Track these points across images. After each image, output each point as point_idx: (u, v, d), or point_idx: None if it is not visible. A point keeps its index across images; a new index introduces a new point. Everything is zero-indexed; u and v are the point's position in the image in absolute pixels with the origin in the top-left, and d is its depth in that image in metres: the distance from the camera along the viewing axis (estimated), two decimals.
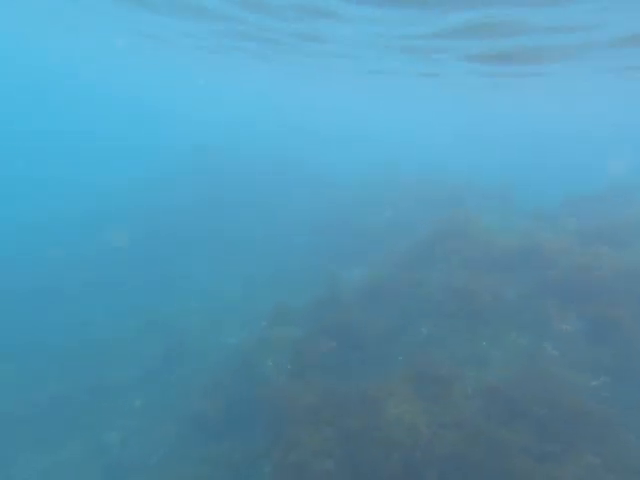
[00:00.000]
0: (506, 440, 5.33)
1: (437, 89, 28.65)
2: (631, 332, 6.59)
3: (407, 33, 11.88)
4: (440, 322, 8.59)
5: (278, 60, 23.31)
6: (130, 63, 40.65)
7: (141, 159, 31.64)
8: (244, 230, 21.24)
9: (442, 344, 8.20)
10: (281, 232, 21.30)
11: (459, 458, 5.39)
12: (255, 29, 14.48)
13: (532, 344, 7.02)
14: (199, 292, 17.12)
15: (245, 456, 6.95)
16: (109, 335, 13.12)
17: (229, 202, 23.48)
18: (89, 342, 12.69)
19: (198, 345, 12.84)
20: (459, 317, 8.45)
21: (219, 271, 18.67)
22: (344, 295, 10.63)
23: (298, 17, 11.61)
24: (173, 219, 21.67)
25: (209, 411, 7.84)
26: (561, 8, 8.52)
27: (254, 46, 18.85)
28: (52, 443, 8.84)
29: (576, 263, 8.44)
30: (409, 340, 8.68)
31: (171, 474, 7.04)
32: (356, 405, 6.80)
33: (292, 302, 12.68)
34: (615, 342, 6.59)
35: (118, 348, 12.45)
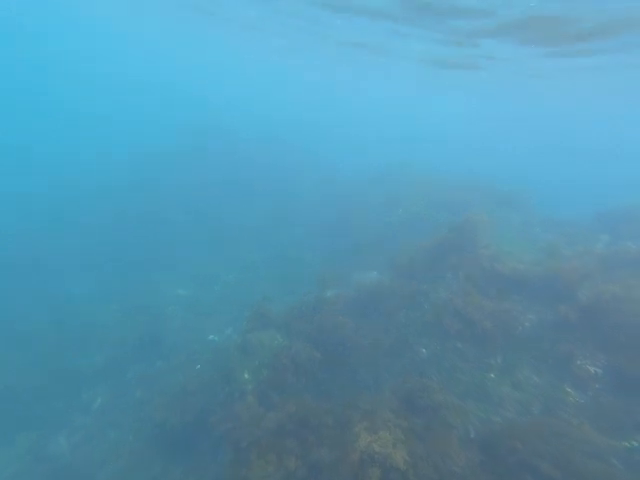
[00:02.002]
0: None
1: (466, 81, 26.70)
2: None
3: None
4: (443, 343, 7.48)
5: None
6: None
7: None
8: (245, 217, 20.19)
9: (441, 369, 7.11)
10: (283, 222, 20.24)
11: None
12: None
13: (549, 384, 5.88)
14: (190, 279, 16.20)
15: None
16: (85, 319, 12.29)
17: (232, 187, 22.42)
18: (61, 325, 11.87)
19: (176, 339, 11.93)
20: (465, 340, 7.33)
21: (214, 258, 17.71)
22: (338, 301, 9.54)
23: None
24: (170, 199, 20.72)
25: (170, 424, 6.91)
26: None
27: None
28: None
29: (604, 293, 7.20)
30: (404, 361, 7.60)
31: None
32: (328, 433, 5.81)
33: (284, 300, 11.68)
34: None
35: (91, 334, 11.60)
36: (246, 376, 7.63)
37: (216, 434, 6.41)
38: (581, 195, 18.18)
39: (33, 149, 26.60)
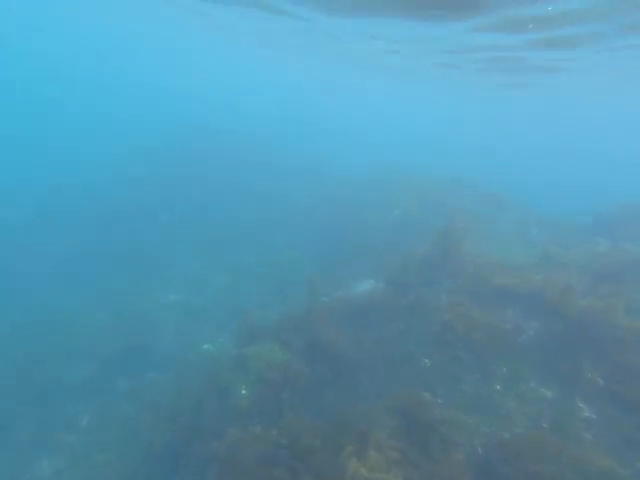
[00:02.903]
0: None
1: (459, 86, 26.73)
2: None
3: None
4: (447, 353, 7.25)
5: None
6: None
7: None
8: (235, 218, 19.69)
9: (445, 380, 6.88)
10: (277, 223, 19.82)
11: None
12: None
13: (558, 398, 5.70)
14: (180, 283, 15.69)
15: None
16: (69, 328, 11.71)
17: (224, 188, 21.86)
18: (45, 333, 11.27)
19: (168, 348, 11.48)
20: (468, 350, 7.11)
21: (205, 261, 17.19)
22: (332, 310, 9.24)
23: None
24: (157, 199, 20.07)
25: (159, 447, 6.51)
26: None
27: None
28: None
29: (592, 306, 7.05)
30: (406, 373, 7.36)
31: None
32: (317, 458, 5.48)
33: (278, 307, 11.33)
34: None
35: (76, 343, 11.06)
36: (243, 392, 7.28)
37: (205, 458, 6.05)
38: (577, 195, 18.30)
39: (13, 144, 25.55)
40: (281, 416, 6.74)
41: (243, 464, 5.29)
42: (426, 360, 7.44)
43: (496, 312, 7.38)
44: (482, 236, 10.27)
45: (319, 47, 22.04)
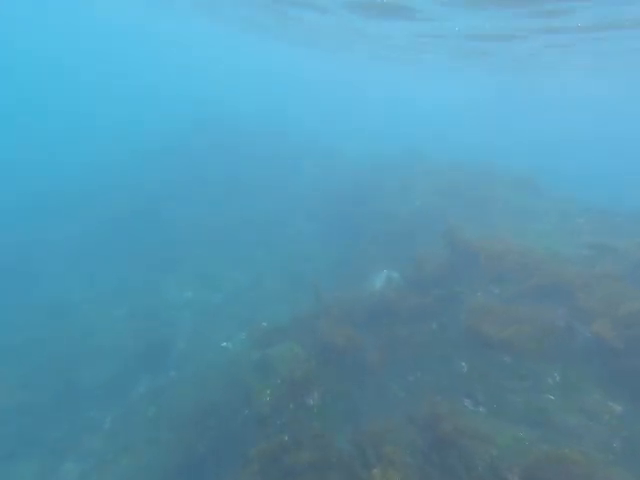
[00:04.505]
0: None
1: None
2: None
3: None
4: (487, 356, 6.58)
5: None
6: None
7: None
8: (248, 212, 19.19)
9: (488, 387, 6.23)
10: (290, 216, 19.23)
11: None
12: None
13: (630, 413, 4.98)
14: (195, 280, 15.41)
15: None
16: (85, 327, 11.58)
17: (239, 179, 21.34)
18: (61, 334, 11.16)
19: (187, 346, 11.23)
20: (513, 353, 6.42)
21: (217, 257, 16.86)
22: (349, 310, 8.64)
23: None
24: (168, 196, 19.72)
25: (183, 454, 6.18)
26: None
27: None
28: None
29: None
30: (439, 378, 6.75)
31: None
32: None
33: (297, 305, 10.83)
34: None
35: (94, 344, 10.91)
36: (267, 398, 6.84)
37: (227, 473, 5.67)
38: (615, 181, 16.91)
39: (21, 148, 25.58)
40: (308, 427, 6.29)
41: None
42: (463, 364, 6.80)
43: (544, 311, 6.62)
44: (520, 227, 9.39)
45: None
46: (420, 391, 6.61)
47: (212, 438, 6.64)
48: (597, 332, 5.82)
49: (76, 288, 13.48)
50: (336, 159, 23.65)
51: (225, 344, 11.02)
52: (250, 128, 25.62)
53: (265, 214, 18.91)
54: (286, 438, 6.19)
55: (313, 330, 8.25)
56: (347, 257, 14.12)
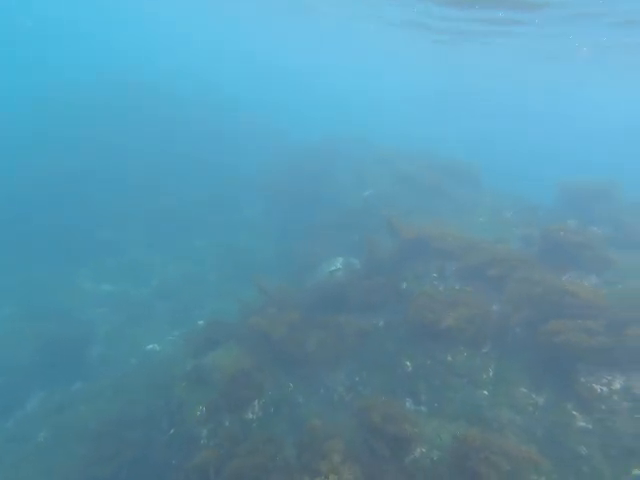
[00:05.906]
0: None
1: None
2: None
3: None
4: (431, 353, 6.61)
5: None
6: None
7: None
8: (184, 194, 16.99)
9: (430, 384, 6.28)
10: (231, 201, 17.58)
11: None
12: None
13: (552, 405, 5.35)
14: (117, 271, 13.30)
15: None
16: None
17: (166, 157, 18.61)
18: None
19: (103, 351, 9.60)
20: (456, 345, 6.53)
21: (147, 244, 14.76)
22: (296, 302, 8.10)
23: None
24: (87, 166, 16.44)
25: None
26: None
27: None
28: None
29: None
30: (385, 377, 6.63)
31: None
32: None
33: (239, 299, 9.88)
34: None
35: None
36: (198, 413, 5.98)
37: None
38: (545, 170, 18.89)
39: None
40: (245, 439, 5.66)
41: None
42: (407, 363, 6.75)
43: (480, 296, 6.84)
44: (460, 220, 9.77)
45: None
46: (366, 392, 6.43)
47: (122, 467, 5.60)
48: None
49: None
50: (288, 141, 22.26)
51: (152, 347, 9.66)
52: (188, 98, 22.48)
53: (209, 197, 16.98)
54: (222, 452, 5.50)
55: (255, 328, 7.49)
56: (297, 246, 13.39)
